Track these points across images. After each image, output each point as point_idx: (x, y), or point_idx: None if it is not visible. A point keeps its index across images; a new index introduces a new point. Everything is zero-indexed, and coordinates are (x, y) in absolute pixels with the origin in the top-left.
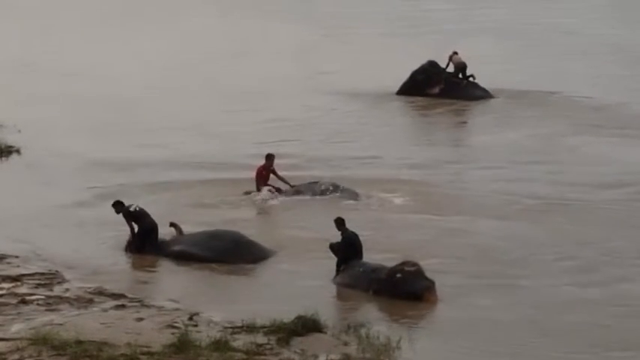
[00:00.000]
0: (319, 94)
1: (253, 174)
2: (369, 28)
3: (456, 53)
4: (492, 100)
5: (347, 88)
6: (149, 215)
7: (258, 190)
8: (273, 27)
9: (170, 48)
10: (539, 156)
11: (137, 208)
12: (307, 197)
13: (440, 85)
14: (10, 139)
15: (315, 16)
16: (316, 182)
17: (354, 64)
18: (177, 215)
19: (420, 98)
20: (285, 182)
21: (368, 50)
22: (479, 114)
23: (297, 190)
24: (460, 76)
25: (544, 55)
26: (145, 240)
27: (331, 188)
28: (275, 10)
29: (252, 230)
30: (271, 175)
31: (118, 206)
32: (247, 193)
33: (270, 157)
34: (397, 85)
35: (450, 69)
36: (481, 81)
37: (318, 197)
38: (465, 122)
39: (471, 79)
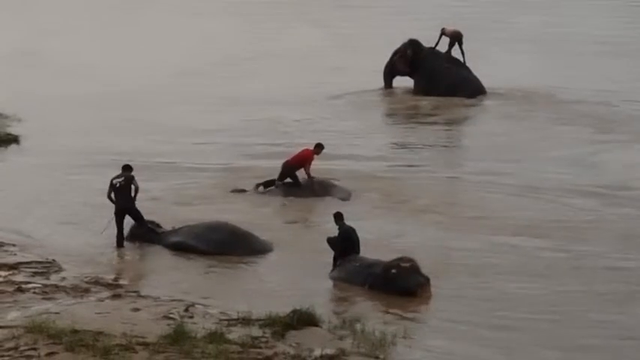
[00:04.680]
0: (316, 96)
1: (297, 152)
2: (388, 32)
3: (443, 28)
4: (487, 100)
5: (345, 91)
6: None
7: (290, 166)
8: (283, 30)
9: (179, 49)
10: (534, 154)
11: (118, 185)
12: (302, 194)
13: (422, 62)
14: (10, 128)
15: (331, 18)
16: (310, 180)
17: (357, 68)
18: (174, 209)
19: (408, 98)
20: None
21: (375, 55)
22: (480, 114)
23: (292, 187)
24: (455, 47)
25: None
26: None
27: (325, 185)
28: (288, 13)
29: (248, 224)
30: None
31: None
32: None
33: (319, 147)
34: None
35: (444, 45)
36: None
37: (312, 194)
38: (461, 121)
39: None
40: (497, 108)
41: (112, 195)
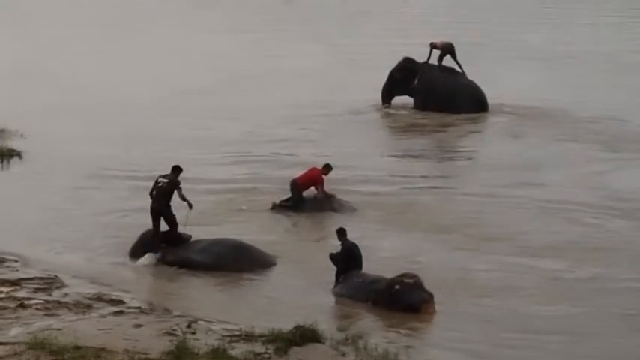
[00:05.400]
0: (318, 113)
1: (306, 171)
2: (390, 50)
3: (432, 43)
4: (495, 117)
5: (346, 108)
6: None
7: (299, 186)
8: (285, 47)
9: (182, 64)
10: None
11: (161, 184)
12: (306, 210)
13: (416, 77)
14: (13, 144)
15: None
16: (314, 196)
17: (359, 85)
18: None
19: (410, 114)
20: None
21: (376, 72)
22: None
23: (295, 204)
24: (444, 59)
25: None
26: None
27: (329, 202)
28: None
29: (251, 240)
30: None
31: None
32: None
33: (328, 168)
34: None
35: (434, 59)
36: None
37: (316, 210)
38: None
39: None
40: (505, 126)
41: (153, 192)
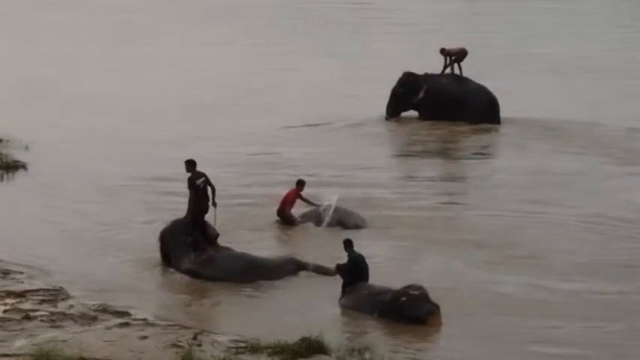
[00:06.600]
0: (326, 127)
1: (282, 197)
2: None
3: (443, 49)
4: (510, 130)
5: (352, 122)
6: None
7: (284, 213)
8: (291, 61)
9: (187, 79)
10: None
11: (201, 185)
12: (314, 221)
13: (422, 90)
14: (17, 155)
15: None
16: (321, 206)
17: (367, 98)
18: None
19: (419, 127)
20: (312, 204)
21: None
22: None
23: (303, 215)
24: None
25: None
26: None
27: (338, 212)
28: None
29: (258, 252)
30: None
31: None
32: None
33: (301, 184)
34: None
35: (435, 69)
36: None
37: (324, 221)
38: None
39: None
40: (522, 139)
41: (195, 197)
